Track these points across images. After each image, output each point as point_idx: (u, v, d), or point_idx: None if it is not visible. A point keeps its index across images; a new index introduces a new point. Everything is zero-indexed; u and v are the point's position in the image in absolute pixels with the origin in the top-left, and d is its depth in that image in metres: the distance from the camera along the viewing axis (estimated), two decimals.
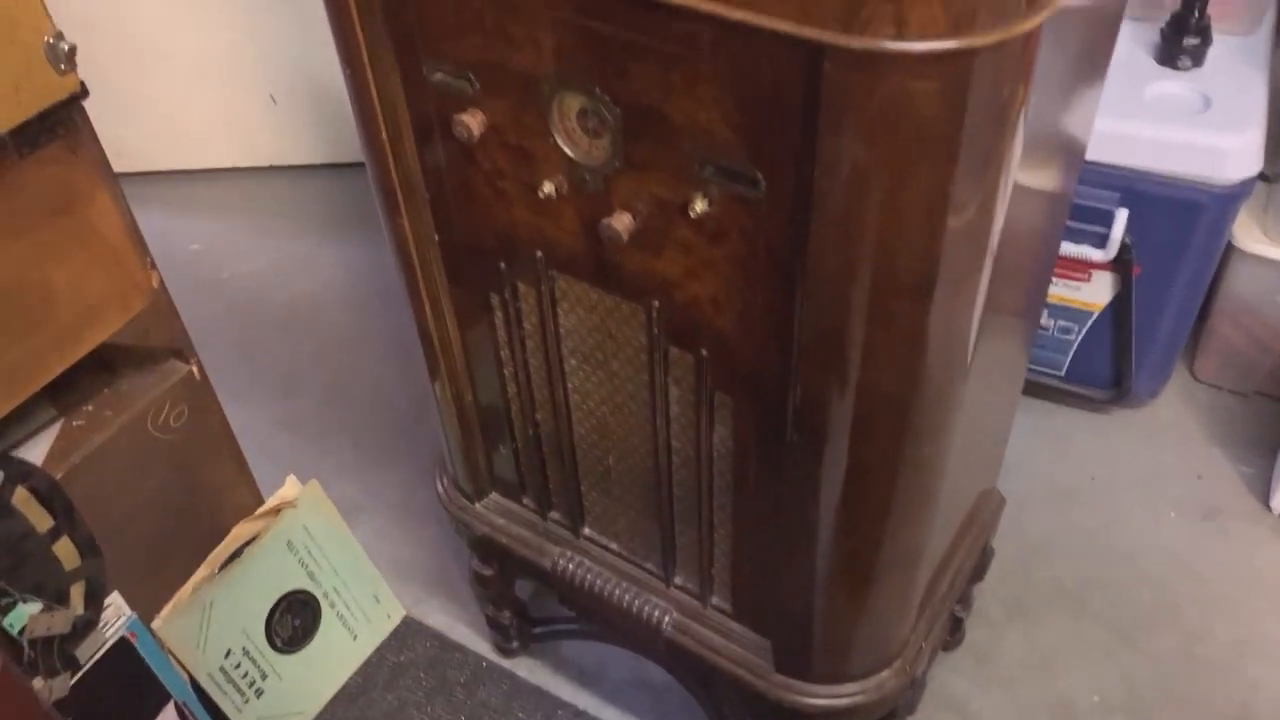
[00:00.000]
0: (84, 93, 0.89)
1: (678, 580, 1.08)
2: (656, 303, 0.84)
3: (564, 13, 0.71)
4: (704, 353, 0.84)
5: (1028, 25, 0.59)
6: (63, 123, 0.89)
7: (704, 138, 0.71)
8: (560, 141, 0.79)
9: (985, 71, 0.60)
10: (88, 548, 0.97)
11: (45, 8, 0.83)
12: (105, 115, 2.01)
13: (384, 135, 0.87)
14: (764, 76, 0.65)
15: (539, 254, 0.88)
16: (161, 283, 1.05)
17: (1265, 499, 1.48)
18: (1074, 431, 1.58)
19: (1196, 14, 1.35)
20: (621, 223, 0.78)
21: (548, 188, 0.81)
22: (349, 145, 1.95)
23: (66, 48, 0.85)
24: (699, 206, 0.74)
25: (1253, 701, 1.27)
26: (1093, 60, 0.87)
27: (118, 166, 2.06)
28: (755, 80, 0.66)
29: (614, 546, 1.11)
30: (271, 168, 2.08)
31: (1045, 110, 0.77)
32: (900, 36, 0.57)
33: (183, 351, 1.11)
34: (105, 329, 1.01)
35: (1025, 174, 0.74)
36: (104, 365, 1.09)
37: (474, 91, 0.80)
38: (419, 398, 1.64)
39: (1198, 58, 1.38)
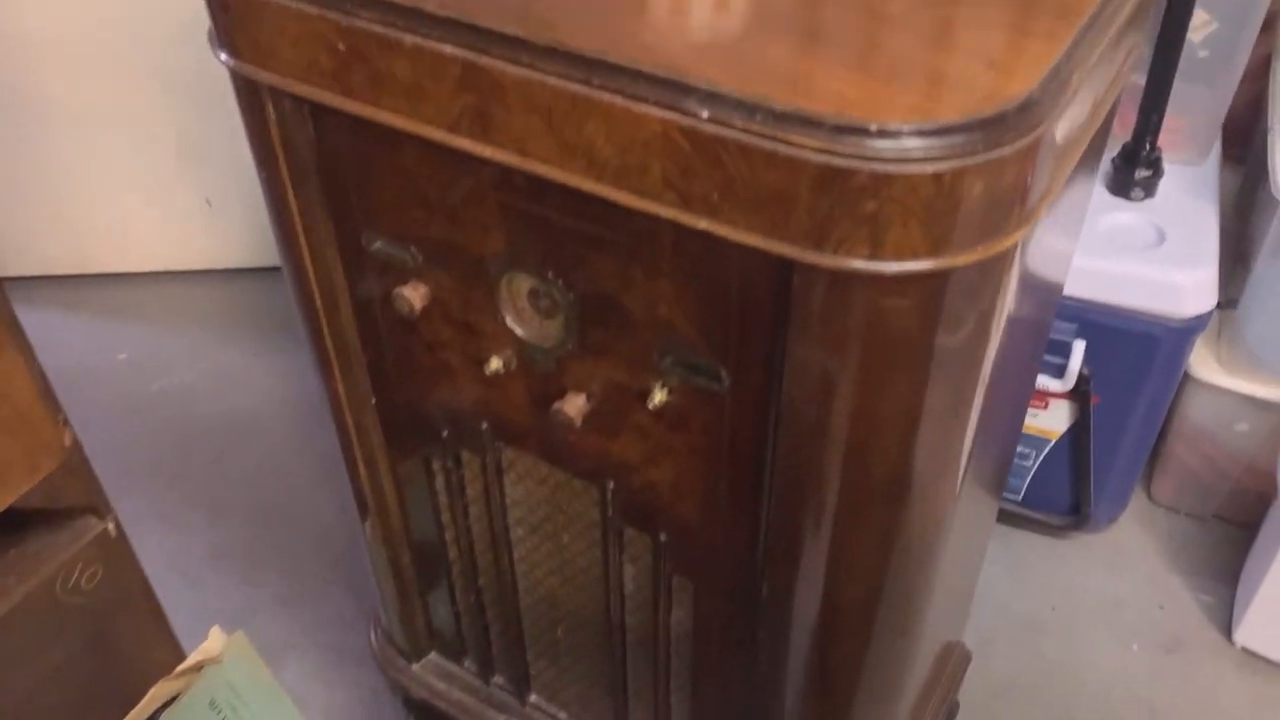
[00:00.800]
0: None
1: None
2: (611, 484, 0.78)
3: (514, 198, 0.66)
4: (663, 537, 0.79)
5: (1009, 241, 0.56)
6: None
7: (664, 330, 0.66)
8: (509, 320, 0.74)
9: (963, 286, 0.57)
10: None
11: None
12: (35, 217, 1.95)
13: (317, 301, 0.81)
14: (728, 280, 0.61)
15: (484, 425, 0.82)
16: (75, 440, 0.97)
17: (1227, 630, 1.45)
18: (1034, 558, 1.55)
19: (1147, 146, 1.35)
20: (574, 407, 0.73)
21: (495, 364, 0.76)
22: None
23: None
24: (658, 398, 0.69)
25: None
26: (1074, 214, 0.85)
27: (49, 269, 1.99)
28: (719, 282, 0.62)
29: (562, 716, 1.04)
30: (208, 271, 2.00)
31: (1026, 288, 0.74)
32: (875, 257, 0.54)
33: (98, 507, 1.02)
34: (9, 494, 0.92)
35: (1005, 341, 0.71)
36: (10, 523, 1.00)
37: (416, 264, 0.75)
38: (357, 529, 1.57)
39: (1149, 189, 1.38)
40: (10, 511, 0.96)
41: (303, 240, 0.78)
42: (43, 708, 1.01)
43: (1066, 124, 0.57)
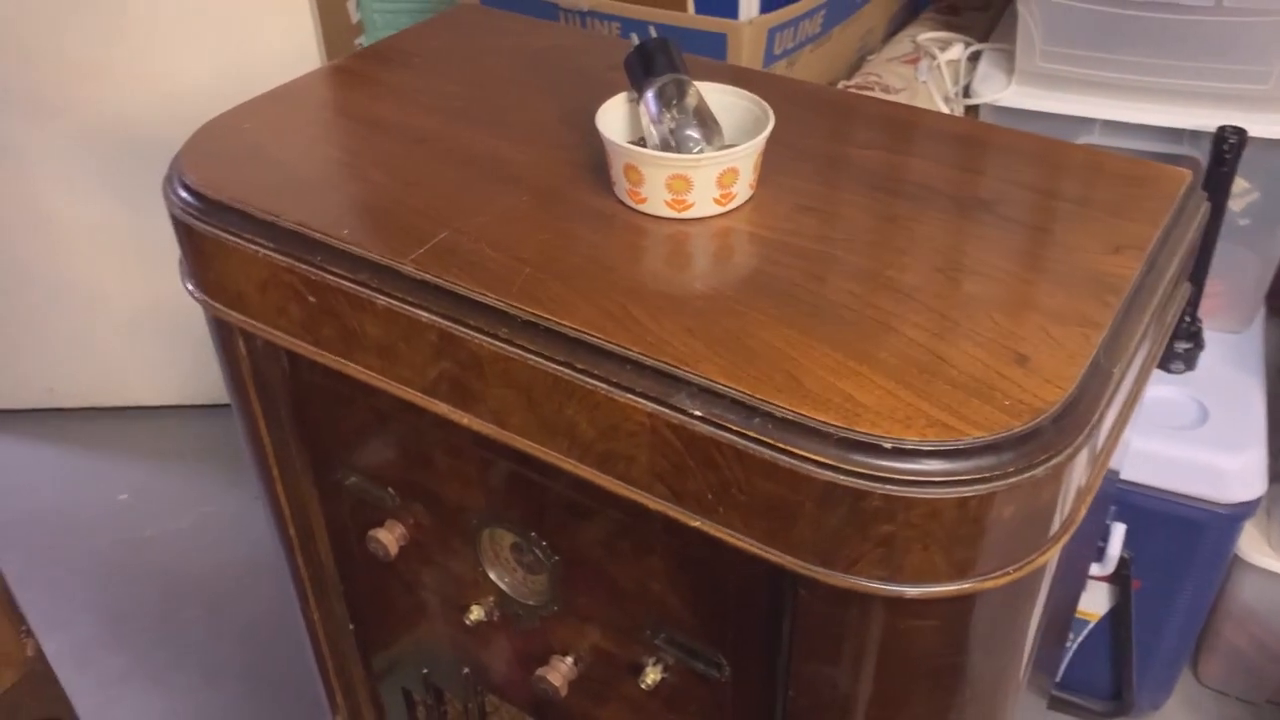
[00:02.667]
0: None
1: None
2: None
3: (494, 456, 0.61)
4: None
5: (1046, 558, 0.49)
6: None
7: (656, 606, 0.60)
8: (491, 572, 0.67)
9: (994, 604, 0.50)
10: None
11: None
12: (43, 350, 1.93)
13: (291, 530, 0.75)
14: (726, 572, 0.55)
15: (466, 670, 0.75)
16: (38, 649, 0.91)
17: None
18: None
19: (1188, 318, 1.28)
20: (558, 675, 0.66)
21: (476, 613, 0.69)
22: None
23: None
24: (651, 677, 0.62)
25: None
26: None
27: (55, 403, 1.96)
28: (715, 571, 0.55)
29: None
30: (212, 406, 1.96)
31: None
32: (891, 580, 0.47)
33: (63, 718, 0.96)
34: None
35: (1049, 597, 0.63)
36: None
37: (393, 504, 0.69)
38: None
39: (1190, 361, 1.30)
40: None
41: (275, 471, 0.72)
42: None
43: (1110, 421, 0.50)
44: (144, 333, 1.87)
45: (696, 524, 0.50)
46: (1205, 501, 1.23)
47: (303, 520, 0.75)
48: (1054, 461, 0.45)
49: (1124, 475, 1.25)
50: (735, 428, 0.47)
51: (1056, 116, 1.20)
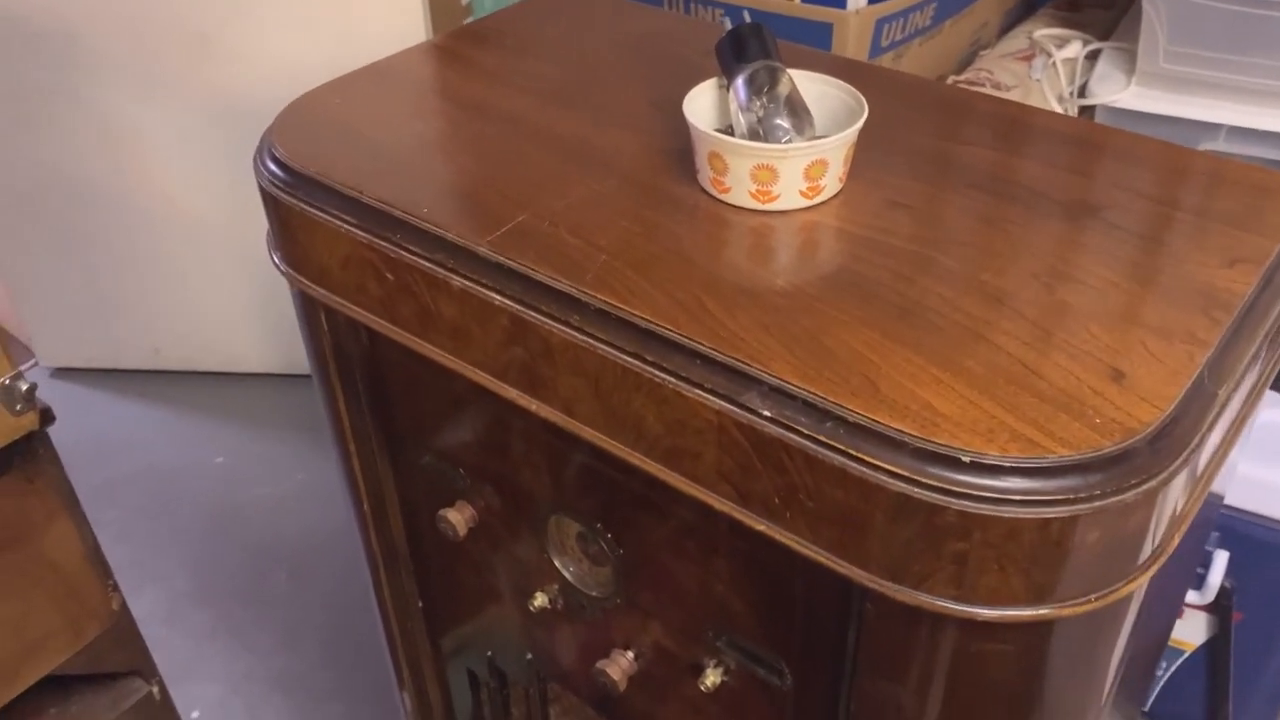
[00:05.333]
0: (47, 421, 0.80)
1: None
2: None
3: (564, 445, 0.60)
4: None
5: (1132, 588, 0.46)
6: (19, 454, 0.80)
7: (719, 608, 0.58)
8: (556, 560, 0.67)
9: (1075, 633, 0.47)
10: None
11: (4, 346, 0.75)
12: (153, 314, 2.00)
13: (365, 506, 0.76)
14: (792, 578, 0.53)
15: (529, 656, 0.75)
16: (123, 604, 0.94)
17: None
18: None
19: None
20: (618, 670, 0.65)
21: (540, 600, 0.69)
22: None
23: (25, 387, 0.76)
24: (711, 679, 0.60)
25: None
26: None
27: (159, 365, 2.03)
28: (782, 576, 0.53)
29: None
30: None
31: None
32: (963, 600, 0.44)
33: (143, 670, 0.99)
34: (49, 663, 0.89)
35: (1136, 626, 0.60)
36: (54, 681, 0.98)
37: (464, 484, 0.69)
38: None
39: None
40: (52, 674, 0.93)
41: (352, 445, 0.73)
42: None
43: (1212, 445, 0.47)
44: (248, 300, 1.92)
45: (762, 528, 0.49)
46: None
47: (376, 496, 0.75)
48: (1146, 486, 0.42)
49: (1229, 501, 1.19)
50: (806, 431, 0.45)
51: (1178, 120, 1.14)
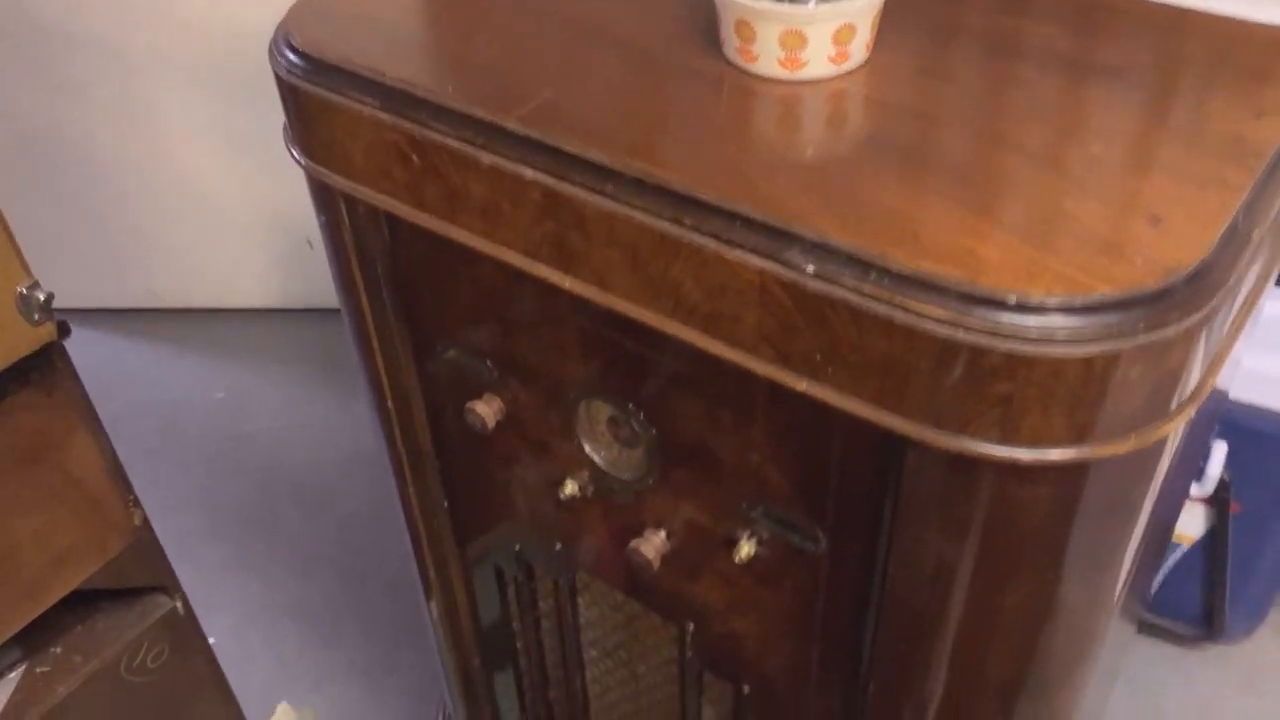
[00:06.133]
0: (64, 333, 0.80)
1: None
2: (692, 625, 0.71)
3: (595, 325, 0.60)
4: (746, 689, 0.71)
5: (1170, 428, 0.47)
6: (37, 367, 0.80)
7: (754, 479, 0.59)
8: (586, 446, 0.67)
9: (1111, 475, 0.48)
10: None
11: (20, 256, 0.74)
12: (146, 252, 1.98)
13: (389, 403, 0.76)
14: (831, 439, 0.54)
15: (558, 546, 0.76)
16: (145, 520, 0.94)
17: None
18: (1160, 672, 1.41)
19: None
20: (652, 548, 0.66)
21: (570, 488, 0.70)
22: None
23: (42, 297, 0.76)
24: (745, 550, 0.61)
25: None
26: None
27: (155, 303, 2.02)
28: (820, 439, 0.54)
29: None
30: (307, 310, 2.00)
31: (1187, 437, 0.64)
32: (1006, 442, 0.45)
33: (167, 586, 1.00)
34: (75, 577, 0.90)
35: (1158, 502, 0.61)
36: (79, 598, 0.98)
37: (491, 377, 0.70)
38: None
39: None
40: (77, 589, 0.94)
41: (375, 342, 0.73)
42: None
43: (1246, 288, 0.48)
44: (241, 237, 1.91)
45: (803, 387, 0.49)
46: None
47: (401, 396, 0.76)
48: (1187, 323, 0.43)
49: (1229, 392, 1.20)
50: (850, 284, 0.45)
51: None
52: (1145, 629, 1.45)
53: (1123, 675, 1.40)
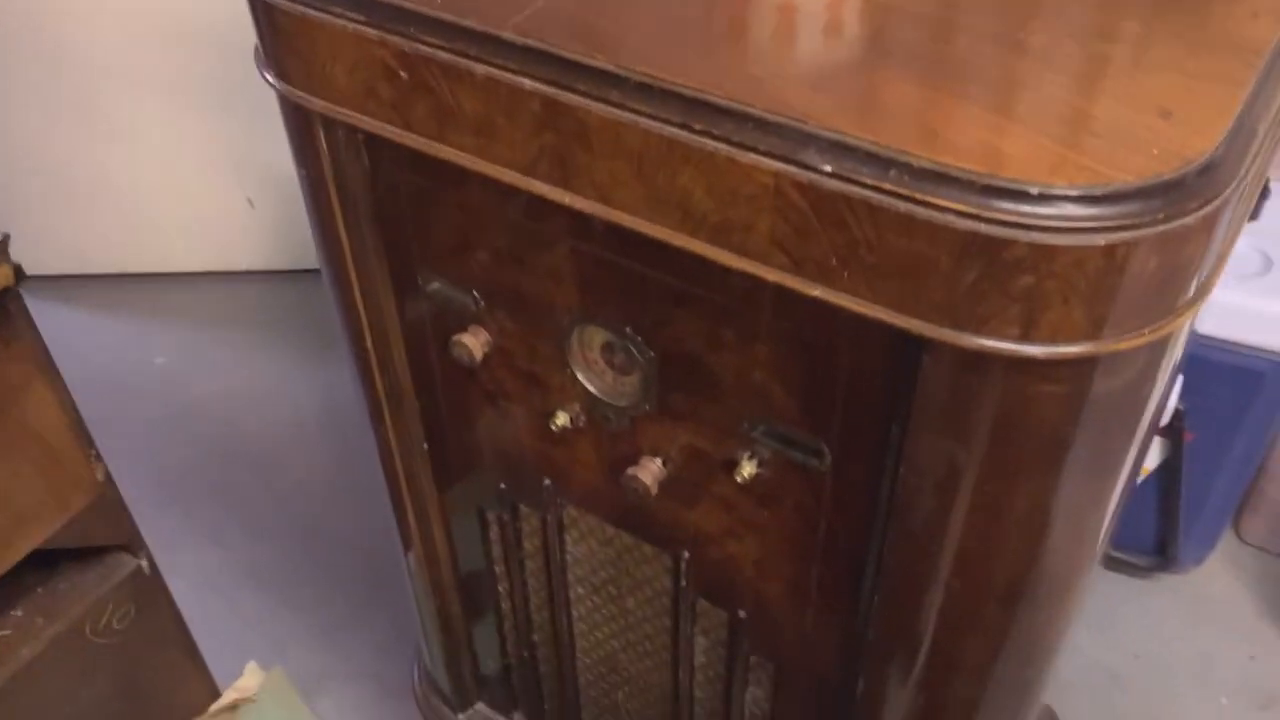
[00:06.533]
0: (20, 278, 0.77)
1: None
2: (686, 554, 0.71)
3: (591, 247, 0.59)
4: (742, 614, 0.71)
5: (1181, 321, 0.47)
6: None
7: (756, 398, 0.59)
8: (579, 374, 0.66)
9: (1121, 370, 0.49)
10: None
11: None
12: (77, 215, 1.90)
13: (368, 342, 0.74)
14: (838, 349, 0.53)
15: (547, 482, 0.75)
16: (107, 475, 0.91)
17: None
18: (1116, 601, 1.45)
19: None
20: (649, 474, 0.66)
21: (562, 419, 0.69)
22: None
23: None
24: (746, 470, 0.61)
25: None
26: None
27: (90, 269, 1.95)
28: (826, 350, 0.54)
29: None
30: (249, 272, 1.95)
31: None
32: (1025, 339, 0.45)
33: (131, 544, 0.97)
34: (39, 534, 0.87)
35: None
36: (39, 558, 0.95)
37: (477, 309, 0.68)
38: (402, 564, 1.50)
39: (1255, 210, 1.28)
40: (39, 549, 0.91)
41: (354, 277, 0.71)
42: None
43: (1250, 182, 0.48)
44: (177, 198, 1.85)
45: (816, 292, 0.49)
46: (1265, 350, 1.21)
47: (380, 334, 0.74)
48: (1205, 211, 0.43)
49: None
50: (869, 182, 0.45)
51: None
52: (1102, 562, 1.49)
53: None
